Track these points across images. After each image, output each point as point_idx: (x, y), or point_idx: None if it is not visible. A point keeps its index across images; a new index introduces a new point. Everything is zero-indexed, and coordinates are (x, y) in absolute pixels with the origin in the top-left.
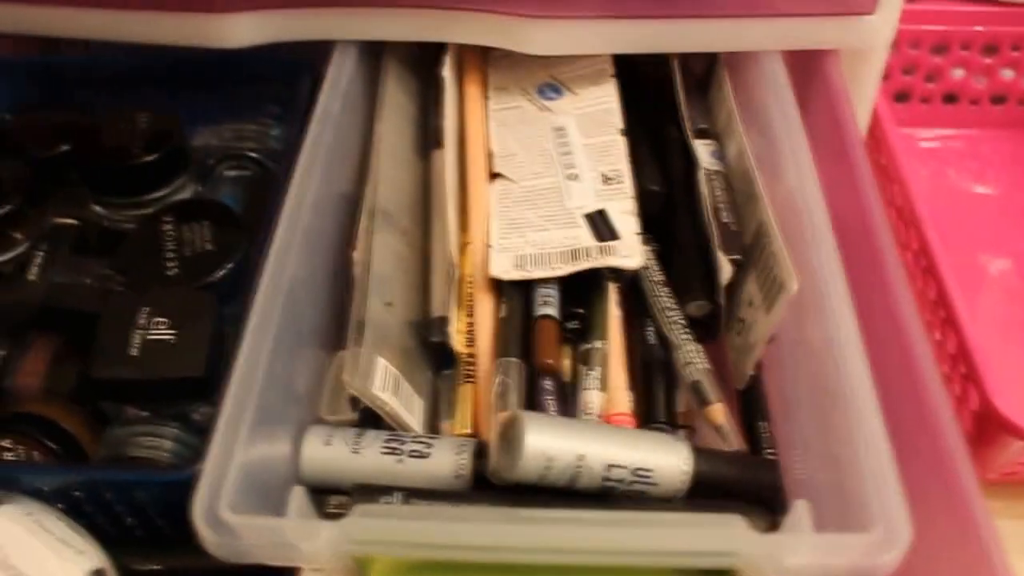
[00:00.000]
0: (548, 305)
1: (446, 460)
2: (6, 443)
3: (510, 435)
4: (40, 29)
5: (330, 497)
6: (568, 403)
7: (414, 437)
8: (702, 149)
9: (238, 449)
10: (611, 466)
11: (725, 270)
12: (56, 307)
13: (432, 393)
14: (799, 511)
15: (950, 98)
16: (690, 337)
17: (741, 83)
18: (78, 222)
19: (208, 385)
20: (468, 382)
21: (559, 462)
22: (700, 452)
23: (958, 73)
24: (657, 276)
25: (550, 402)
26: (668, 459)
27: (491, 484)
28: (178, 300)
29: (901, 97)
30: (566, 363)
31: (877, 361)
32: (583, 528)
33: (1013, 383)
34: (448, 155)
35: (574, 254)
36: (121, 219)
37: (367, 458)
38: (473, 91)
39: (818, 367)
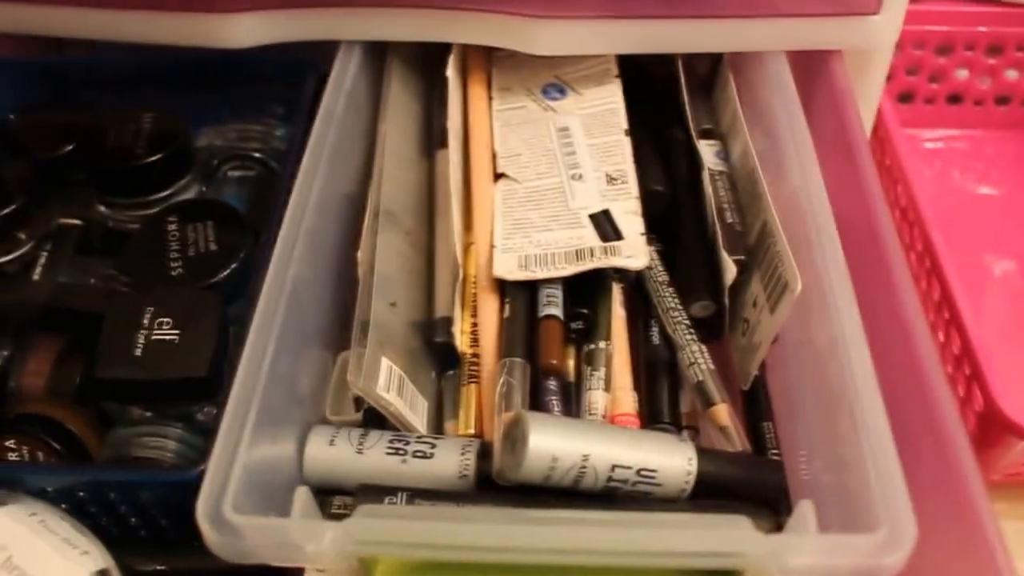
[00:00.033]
0: (552, 305)
1: (450, 460)
2: (10, 443)
3: (514, 435)
4: (44, 29)
5: (334, 497)
6: (572, 403)
7: (418, 437)
8: (706, 149)
9: (242, 449)
10: (615, 466)
11: (729, 270)
12: (60, 307)
13: (436, 393)
14: (804, 512)
15: (954, 99)
16: (694, 337)
17: (745, 83)
18: (82, 222)
19: (212, 385)
20: (472, 382)
21: (563, 462)
22: (704, 452)
23: (962, 74)
24: (661, 276)
25: (554, 402)
26: (672, 460)
27: (495, 484)
28: (182, 300)
29: (905, 98)
30: (570, 363)
31: (881, 361)
32: (587, 529)
33: (1017, 384)
34: (452, 155)
35: (578, 254)
36: (125, 219)
37: (371, 458)
38: (477, 91)
39: (822, 367)
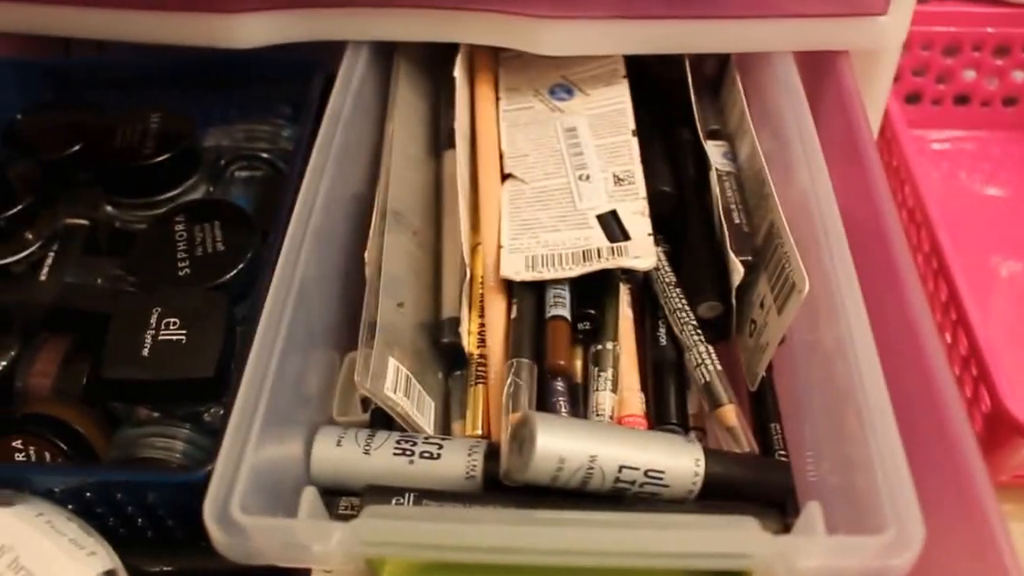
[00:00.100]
0: (559, 306)
1: (457, 461)
2: (17, 444)
3: (522, 436)
4: (51, 29)
5: (341, 498)
6: (579, 404)
7: (425, 438)
8: (714, 150)
9: (249, 450)
10: (623, 467)
11: (737, 271)
12: (67, 307)
13: (443, 394)
14: (811, 513)
15: (961, 100)
16: (701, 338)
17: (753, 84)
18: (89, 222)
19: (219, 386)
20: (479, 383)
21: (571, 463)
22: (712, 454)
23: (969, 75)
24: (668, 277)
25: (561, 403)
26: (680, 461)
27: (502, 485)
28: (189, 300)
29: (912, 99)
30: (577, 364)
31: (889, 362)
32: (594, 530)
33: None
34: (459, 156)
35: (585, 255)
36: (132, 219)
37: (378, 459)
38: (484, 92)
39: (830, 368)
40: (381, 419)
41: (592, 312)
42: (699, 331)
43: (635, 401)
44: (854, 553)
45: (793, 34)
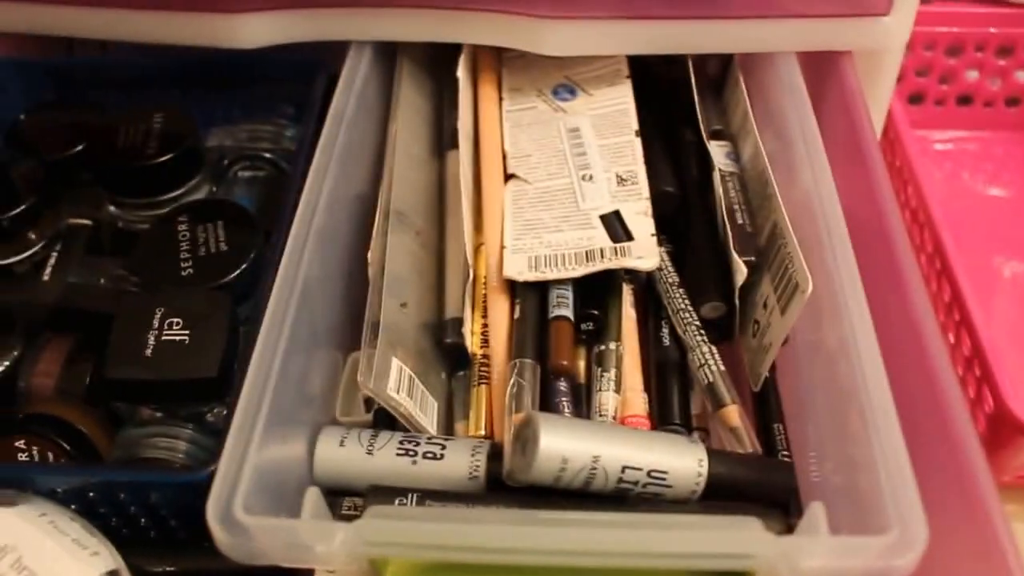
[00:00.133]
0: (563, 306)
1: (460, 462)
2: (20, 443)
3: (525, 436)
4: (54, 29)
5: (344, 498)
6: (582, 405)
7: (428, 438)
8: (717, 150)
9: (252, 450)
10: (626, 468)
11: (740, 271)
12: (70, 307)
13: (447, 394)
14: (815, 513)
15: (964, 100)
16: (704, 339)
17: (756, 84)
18: (92, 222)
19: (222, 386)
20: (483, 383)
21: (574, 464)
22: (715, 454)
23: (972, 75)
24: (672, 277)
25: (564, 403)
26: (683, 461)
27: (505, 486)
28: (192, 301)
29: (915, 99)
30: (580, 365)
31: (892, 363)
32: (598, 530)
33: None
34: (463, 156)
35: (589, 255)
36: (135, 219)
37: (381, 459)
38: (488, 92)
39: (833, 368)
40: (384, 419)
41: (595, 312)
42: (702, 331)
43: (638, 401)
44: (857, 553)
45: (796, 34)
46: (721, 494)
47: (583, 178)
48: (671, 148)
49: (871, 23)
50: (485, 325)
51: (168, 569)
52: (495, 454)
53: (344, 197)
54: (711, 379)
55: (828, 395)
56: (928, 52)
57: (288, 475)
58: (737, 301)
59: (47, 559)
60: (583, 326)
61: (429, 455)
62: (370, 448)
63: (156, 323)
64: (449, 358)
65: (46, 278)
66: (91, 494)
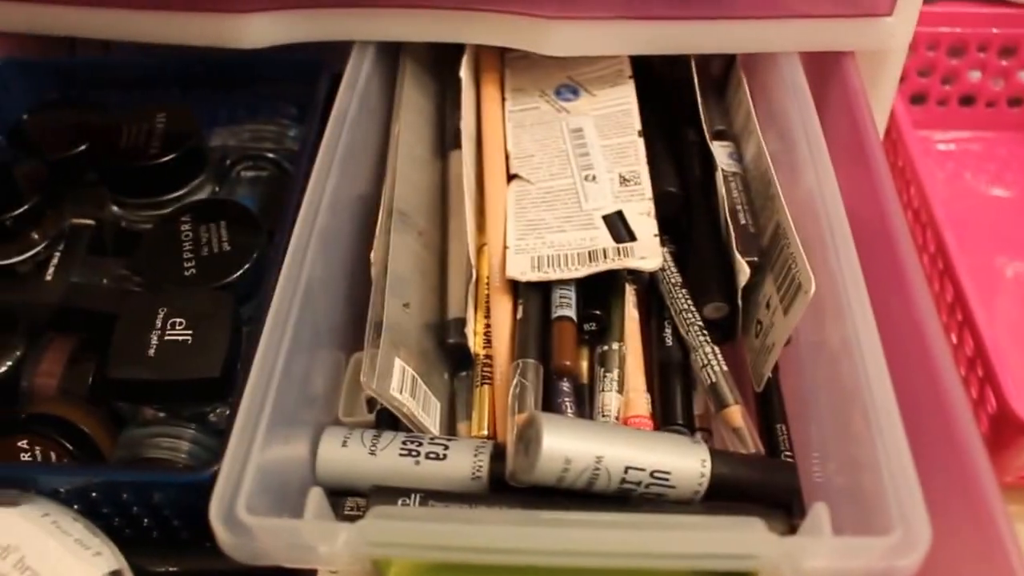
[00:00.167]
0: (565, 307)
1: (463, 462)
2: (23, 443)
3: (528, 437)
4: (57, 29)
5: (347, 499)
6: (585, 405)
7: (431, 439)
8: (720, 150)
9: (255, 450)
10: (629, 468)
11: (743, 272)
12: (73, 307)
13: (449, 395)
14: (818, 514)
15: (967, 100)
16: (707, 339)
17: (759, 85)
18: (95, 222)
19: (225, 386)
20: (485, 384)
21: (577, 464)
22: (718, 454)
23: (975, 75)
24: (675, 278)
25: (567, 404)
26: (686, 461)
27: (508, 486)
28: (195, 301)
29: (917, 99)
30: (583, 365)
31: (895, 363)
32: (601, 530)
33: None
34: (465, 156)
35: (591, 255)
36: (138, 219)
37: (384, 460)
38: (490, 92)
39: (836, 369)
40: (387, 420)
41: (598, 313)
42: (705, 332)
43: (641, 402)
44: (860, 554)
45: (799, 35)
46: (724, 495)
47: (586, 178)
48: (674, 148)
49: (874, 23)
50: (488, 325)
51: (171, 569)
52: (498, 454)
53: (347, 197)
54: (714, 379)
55: (831, 395)
56: (931, 52)
57: (291, 475)
58: (740, 301)
59: (50, 559)
60: (586, 326)
61: (432, 455)
62: (373, 448)
63: (159, 323)
64: (452, 358)
65: (49, 278)
66: (94, 494)
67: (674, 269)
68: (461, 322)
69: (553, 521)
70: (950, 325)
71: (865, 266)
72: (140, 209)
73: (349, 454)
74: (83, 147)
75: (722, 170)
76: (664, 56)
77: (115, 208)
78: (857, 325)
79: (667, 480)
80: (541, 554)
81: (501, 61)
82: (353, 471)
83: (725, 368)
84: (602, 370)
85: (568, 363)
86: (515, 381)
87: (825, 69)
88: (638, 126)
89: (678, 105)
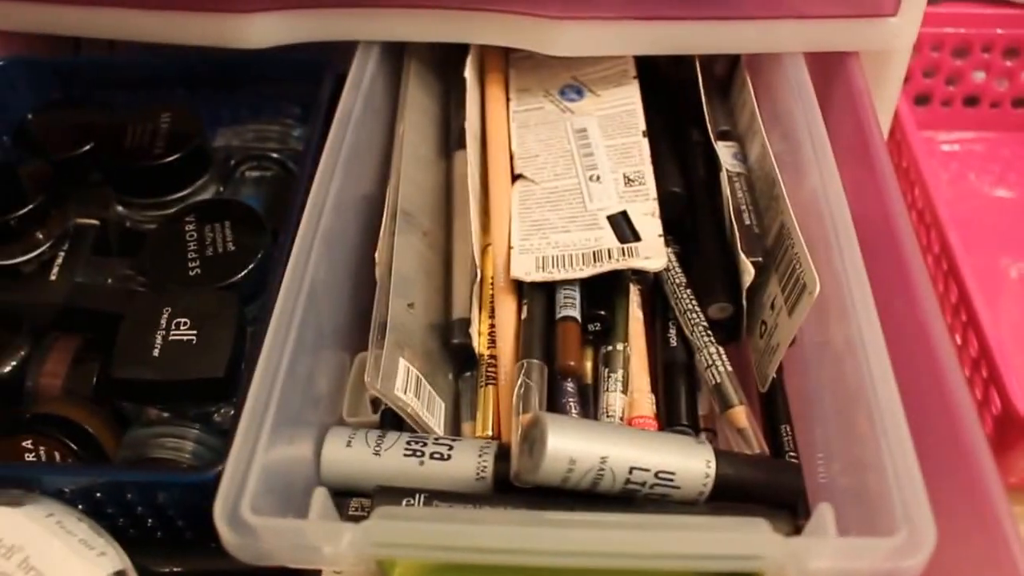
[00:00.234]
0: (570, 307)
1: (468, 462)
2: (27, 444)
3: (532, 437)
4: (62, 28)
5: (351, 499)
6: (589, 405)
7: (436, 439)
8: (724, 151)
9: (259, 450)
10: (633, 469)
11: (747, 272)
12: (77, 307)
13: (453, 395)
14: (822, 515)
15: (971, 101)
16: (712, 339)
17: (763, 85)
18: (99, 222)
19: (229, 386)
20: (490, 384)
21: (581, 464)
22: (722, 455)
23: (979, 76)
24: (679, 278)
25: (571, 404)
26: (690, 462)
27: (513, 486)
28: (199, 301)
29: (922, 100)
30: (588, 365)
31: (900, 364)
32: (605, 531)
33: None
34: (470, 156)
35: (596, 256)
36: (143, 219)
37: (388, 460)
38: (495, 92)
39: (841, 369)
40: (391, 420)
41: (602, 313)
42: (709, 332)
43: (645, 402)
44: (865, 555)
45: (803, 35)
46: (729, 495)
47: (590, 179)
48: (678, 149)
49: (878, 24)
50: (492, 325)
51: (175, 569)
52: (502, 455)
53: (351, 197)
54: (718, 380)
55: (836, 396)
56: (935, 53)
57: (295, 476)
58: (744, 302)
59: (54, 559)
60: (590, 327)
61: (436, 456)
62: (377, 449)
63: (163, 323)
64: (456, 358)
65: (53, 278)
66: (98, 494)
67: (678, 269)
68: (465, 322)
69: (557, 522)
70: (954, 326)
71: (869, 267)
72: (145, 209)
73: (353, 454)
74: (88, 147)
75: (726, 170)
76: (668, 56)
77: (120, 208)
78: (861, 326)
79: (671, 481)
80: (545, 554)
81: (505, 61)
82: (357, 471)
83: (729, 368)
84: (606, 370)
85: (572, 363)
86: (519, 381)
87: (829, 69)
88: (642, 126)
89: (682, 105)
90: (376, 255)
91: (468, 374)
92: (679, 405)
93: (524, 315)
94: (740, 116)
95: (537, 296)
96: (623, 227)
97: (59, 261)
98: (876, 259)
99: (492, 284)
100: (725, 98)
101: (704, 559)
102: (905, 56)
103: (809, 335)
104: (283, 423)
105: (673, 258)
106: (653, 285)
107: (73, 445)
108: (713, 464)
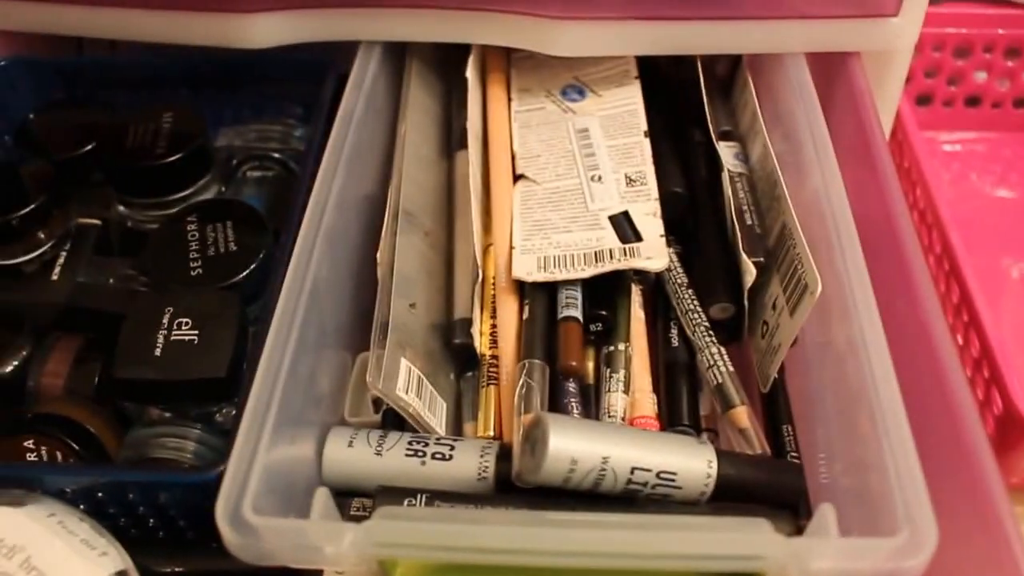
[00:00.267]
0: (571, 307)
1: (469, 462)
2: (29, 443)
3: (534, 437)
4: (64, 28)
5: (353, 499)
6: (591, 406)
7: (437, 439)
8: (726, 151)
9: (261, 450)
10: (635, 469)
11: (748, 272)
12: (79, 307)
13: (455, 395)
14: (824, 515)
15: (972, 101)
16: (713, 339)
17: (765, 85)
18: (101, 222)
19: (231, 386)
20: (491, 384)
21: (583, 464)
22: (724, 455)
23: (981, 76)
24: (681, 278)
25: (573, 404)
26: (692, 462)
27: (514, 487)
28: (201, 301)
29: (923, 100)
30: (589, 365)
31: (901, 364)
32: (607, 531)
33: None
34: (471, 156)
35: (597, 256)
36: (144, 219)
37: (390, 460)
38: (496, 92)
39: (842, 370)
40: (393, 420)
41: (604, 313)
42: (711, 332)
43: (647, 402)
44: (867, 555)
45: (805, 35)
46: (730, 495)
47: (592, 179)
48: (680, 149)
49: (880, 24)
50: (494, 326)
51: (177, 570)
52: (504, 455)
53: (353, 197)
54: (720, 380)
55: (837, 396)
56: (936, 53)
57: (297, 476)
58: (746, 302)
59: (56, 559)
60: (592, 327)
61: (438, 456)
62: (379, 449)
63: (165, 323)
64: (458, 359)
65: (55, 278)
66: (100, 494)
67: (680, 270)
68: (467, 322)
69: (559, 522)
70: (956, 326)
71: (871, 267)
72: (146, 209)
73: (355, 454)
74: (89, 147)
75: (728, 171)
76: (670, 56)
77: (121, 208)
78: (863, 326)
79: (673, 481)
80: (547, 555)
81: (507, 61)
82: (359, 471)
83: (731, 369)
84: (608, 370)
85: (574, 363)
86: (521, 381)
87: (831, 70)
88: (644, 126)
89: (684, 105)
90: (378, 255)
91: (470, 374)
92: (681, 405)
93: (526, 315)
94: (742, 116)
95: (539, 296)
96: (625, 227)
97: (61, 261)
98: (878, 259)
99: (494, 284)
100: (727, 98)
101: (706, 559)
102: (907, 56)
103: (811, 335)
104: (285, 423)
105: (675, 258)
106: (655, 285)
107: (75, 445)
108: (715, 464)
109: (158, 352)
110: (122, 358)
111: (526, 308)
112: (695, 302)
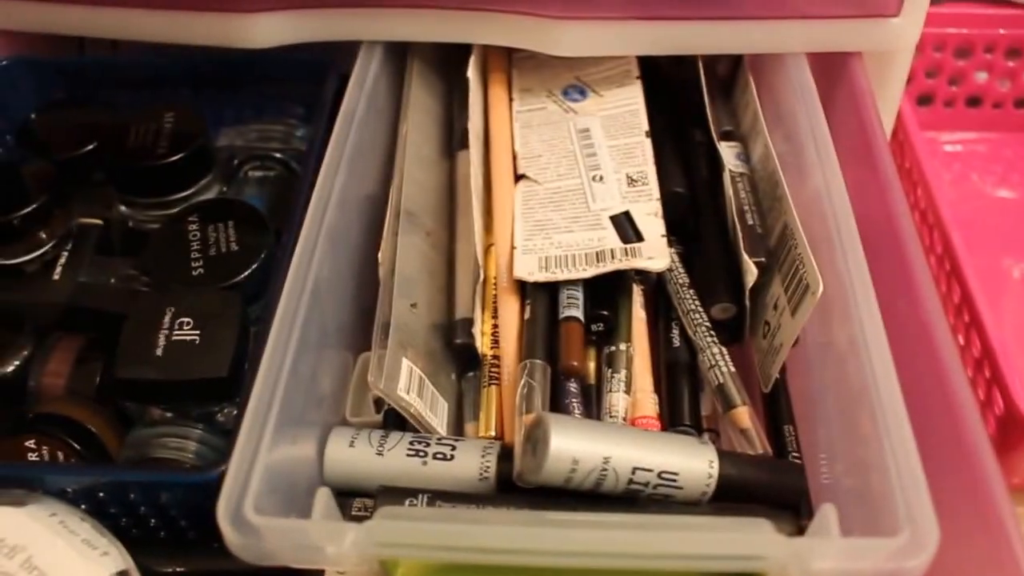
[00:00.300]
0: (573, 307)
1: (471, 462)
2: (30, 443)
3: (535, 437)
4: (66, 28)
5: (354, 499)
6: (592, 406)
7: (439, 439)
8: (727, 151)
9: (262, 450)
10: (636, 469)
11: (750, 272)
12: (81, 307)
13: (457, 395)
14: (826, 515)
15: (973, 101)
16: (715, 340)
17: (766, 85)
18: (103, 222)
19: (232, 386)
20: (493, 384)
21: (584, 465)
22: (725, 455)
23: (981, 76)
24: (682, 278)
25: (575, 405)
26: (693, 462)
27: (516, 487)
28: (203, 301)
29: (924, 100)
30: (591, 365)
31: (903, 364)
32: (608, 531)
33: None
34: (473, 156)
35: (599, 256)
36: (146, 219)
37: (391, 460)
38: (498, 92)
39: (844, 370)
40: (394, 420)
41: (605, 313)
42: (712, 332)
43: (648, 402)
44: (868, 555)
45: (806, 35)
46: (732, 496)
47: (593, 179)
48: (681, 149)
49: (881, 24)
50: (495, 326)
51: (178, 569)
52: (505, 455)
53: (354, 197)
54: (721, 380)
55: (838, 396)
56: (937, 53)
57: (298, 475)
58: (747, 302)
59: (57, 559)
60: (593, 327)
61: (439, 456)
62: (380, 449)
63: (166, 323)
64: (459, 359)
65: (56, 277)
66: (101, 494)
67: (681, 270)
68: (468, 322)
69: (560, 522)
70: (957, 326)
71: (872, 267)
72: (148, 209)
73: (356, 454)
74: (91, 146)
75: (729, 171)
76: (671, 57)
77: (123, 208)
78: (864, 326)
79: (675, 481)
80: (548, 555)
81: (508, 61)
82: (360, 471)
83: (732, 369)
84: (609, 371)
85: (575, 364)
86: (522, 381)
87: (832, 70)
88: (645, 127)
89: (685, 106)
90: (379, 255)
91: (471, 374)
92: (682, 405)
93: (527, 315)
94: (743, 116)
95: (540, 296)
96: (626, 227)
97: (62, 261)
98: (879, 259)
99: (495, 284)
100: (728, 98)
101: (707, 559)
102: (908, 56)
103: (812, 335)
104: (286, 423)
105: (676, 258)
106: (656, 285)
107: (76, 445)
108: (716, 464)
109: (159, 352)
110: (123, 358)
111: (527, 308)
112: (696, 302)
